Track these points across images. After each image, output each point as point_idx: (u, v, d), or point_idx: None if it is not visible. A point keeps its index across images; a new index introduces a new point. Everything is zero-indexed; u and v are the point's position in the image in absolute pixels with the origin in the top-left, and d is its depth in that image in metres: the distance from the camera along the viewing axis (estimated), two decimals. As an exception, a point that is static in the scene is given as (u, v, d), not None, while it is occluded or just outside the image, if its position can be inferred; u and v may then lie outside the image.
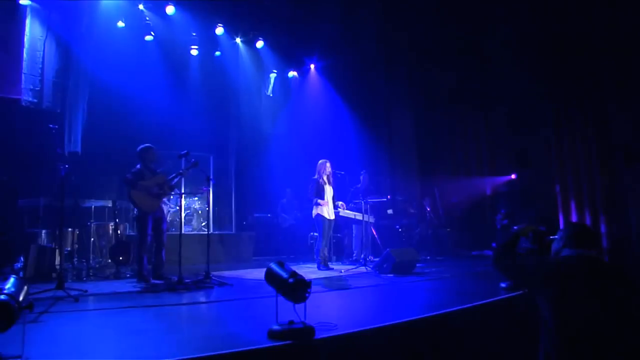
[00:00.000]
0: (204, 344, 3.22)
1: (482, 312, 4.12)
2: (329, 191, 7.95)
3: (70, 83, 8.92)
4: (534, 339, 2.88)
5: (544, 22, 9.98)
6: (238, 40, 10.86)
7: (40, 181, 8.02)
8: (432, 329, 3.64)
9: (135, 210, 6.67)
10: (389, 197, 9.56)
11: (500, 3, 10.01)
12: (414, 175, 12.07)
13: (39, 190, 7.92)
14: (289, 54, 11.35)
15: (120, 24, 9.28)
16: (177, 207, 9.91)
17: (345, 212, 8.50)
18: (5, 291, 2.66)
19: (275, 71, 11.61)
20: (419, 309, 4.22)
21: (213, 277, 6.30)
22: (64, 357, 2.87)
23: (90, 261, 7.78)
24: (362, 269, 7.63)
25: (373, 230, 9.08)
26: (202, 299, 5.20)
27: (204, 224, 10.27)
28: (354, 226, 9.09)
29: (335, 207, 8.17)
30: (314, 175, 8.04)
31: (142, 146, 6.79)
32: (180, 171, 6.77)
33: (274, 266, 3.57)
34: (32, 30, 8.45)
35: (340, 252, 9.81)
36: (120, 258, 7.33)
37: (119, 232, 7.77)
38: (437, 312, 3.80)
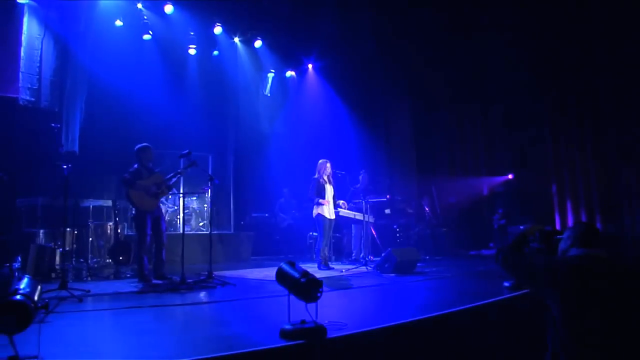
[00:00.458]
0: (216, 344, 3.23)
1: (489, 310, 4.16)
2: (329, 191, 7.96)
3: (68, 82, 8.86)
4: (540, 338, 2.91)
5: (541, 23, 10.06)
6: (236, 39, 10.83)
7: (38, 180, 7.97)
8: (440, 328, 3.67)
9: (133, 210, 6.64)
10: (388, 196, 9.59)
11: (498, 4, 10.08)
12: (412, 175, 12.11)
13: (37, 190, 7.87)
14: (287, 53, 11.34)
15: (118, 22, 9.22)
16: (176, 207, 9.90)
17: (345, 212, 8.51)
18: (21, 291, 2.65)
19: (273, 71, 11.60)
20: (426, 308, 4.25)
21: (215, 277, 6.29)
22: (81, 358, 2.86)
23: (89, 261, 7.76)
24: (363, 268, 7.66)
25: (372, 230, 9.10)
26: (208, 299, 5.20)
27: (202, 223, 10.25)
28: (353, 226, 9.11)
29: (337, 206, 8.18)
30: (314, 175, 8.05)
31: (139, 145, 6.76)
32: (179, 170, 6.73)
33: (285, 266, 3.58)
34: (29, 29, 8.38)
35: (339, 251, 9.82)
36: (120, 258, 7.29)
37: (118, 231, 7.72)
38: (446, 311, 3.84)
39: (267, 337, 3.30)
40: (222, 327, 3.98)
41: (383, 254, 7.37)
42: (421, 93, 12.19)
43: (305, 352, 3.17)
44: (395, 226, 10.11)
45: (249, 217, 11.35)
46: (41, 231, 7.55)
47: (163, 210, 7.15)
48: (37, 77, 8.46)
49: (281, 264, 3.63)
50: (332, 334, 3.32)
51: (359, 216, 8.66)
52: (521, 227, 3.57)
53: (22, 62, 8.26)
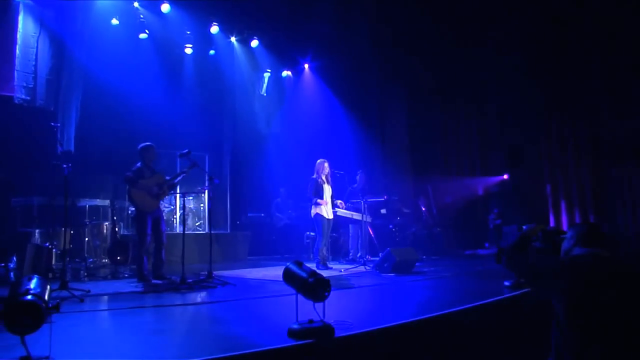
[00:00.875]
0: (224, 343, 3.23)
1: (492, 309, 4.20)
2: (327, 191, 7.97)
3: (64, 80, 8.78)
4: (541, 337, 2.94)
5: (535, 24, 10.16)
6: (233, 39, 10.82)
7: (34, 180, 7.90)
8: (447, 327, 3.70)
9: (134, 209, 6.61)
10: (385, 196, 9.62)
11: (493, 4, 10.16)
12: (408, 175, 12.16)
13: (33, 189, 7.80)
14: (284, 53, 11.35)
15: (115, 21, 9.16)
16: (172, 207, 9.86)
17: (342, 212, 8.52)
18: (32, 291, 2.63)
19: (269, 70, 11.59)
20: (429, 307, 4.28)
21: (215, 277, 6.28)
22: (91, 358, 2.85)
23: (84, 261, 7.70)
24: (362, 268, 7.68)
25: (370, 230, 9.13)
26: (210, 299, 5.19)
27: (198, 223, 10.22)
28: (350, 226, 9.13)
29: (334, 206, 8.19)
30: (313, 175, 8.05)
31: (142, 145, 6.72)
32: (182, 171, 6.71)
33: (292, 266, 3.58)
34: (25, 27, 8.30)
35: (336, 251, 9.83)
36: (119, 258, 7.25)
37: (117, 229, 7.68)
38: (452, 310, 3.87)
39: (274, 336, 3.31)
40: (228, 326, 3.97)
41: (382, 254, 7.39)
42: (416, 93, 12.25)
43: (314, 351, 3.18)
44: (391, 226, 10.15)
45: (245, 216, 11.33)
46: (37, 231, 7.49)
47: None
48: (33, 75, 8.39)
49: (288, 263, 3.64)
50: (339, 333, 3.33)
51: (356, 216, 8.68)
52: (524, 227, 3.59)
53: (17, 61, 8.17)
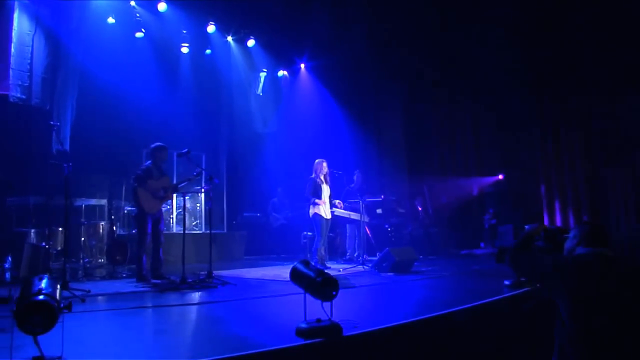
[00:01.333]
0: (231, 343, 3.23)
1: (496, 307, 4.24)
2: (326, 190, 7.98)
3: (60, 79, 8.70)
4: (543, 335, 2.97)
5: (531, 26, 10.24)
6: (229, 38, 10.80)
7: (30, 179, 7.83)
8: (453, 325, 3.73)
9: (136, 208, 6.59)
10: (382, 196, 9.65)
11: (489, 4, 10.23)
12: (403, 175, 12.22)
13: (29, 189, 7.73)
14: (280, 53, 11.36)
15: (111, 20, 9.11)
16: (168, 207, 9.82)
17: (340, 212, 8.54)
18: (44, 291, 2.62)
19: (265, 70, 11.59)
20: (433, 306, 4.30)
21: (214, 277, 6.27)
22: (103, 358, 2.84)
23: (80, 261, 7.66)
24: (360, 267, 7.70)
25: (367, 230, 9.15)
26: (212, 299, 5.17)
27: (194, 223, 10.19)
28: (347, 225, 9.15)
29: (332, 206, 8.21)
30: (311, 175, 8.06)
31: (155, 145, 6.74)
32: (189, 177, 6.75)
33: (299, 266, 3.59)
34: (20, 25, 8.21)
35: (333, 251, 9.85)
36: (117, 258, 7.21)
37: (114, 228, 7.64)
38: (458, 308, 3.91)
39: (281, 336, 3.32)
40: (234, 326, 3.97)
41: (381, 253, 7.42)
42: (412, 93, 12.31)
43: (323, 351, 3.19)
44: (387, 226, 10.19)
45: (241, 216, 11.32)
46: (32, 231, 7.42)
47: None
48: (28, 74, 8.29)
49: (295, 263, 3.65)
50: (347, 332, 3.34)
51: (353, 216, 8.70)
52: (527, 226, 3.63)
53: (12, 59, 8.06)
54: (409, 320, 3.65)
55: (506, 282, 5.37)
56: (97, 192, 8.66)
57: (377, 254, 8.94)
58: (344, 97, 11.86)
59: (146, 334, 3.57)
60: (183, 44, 10.23)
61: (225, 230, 10.80)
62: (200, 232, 9.88)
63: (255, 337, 3.40)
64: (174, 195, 9.03)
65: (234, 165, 11.31)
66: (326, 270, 7.31)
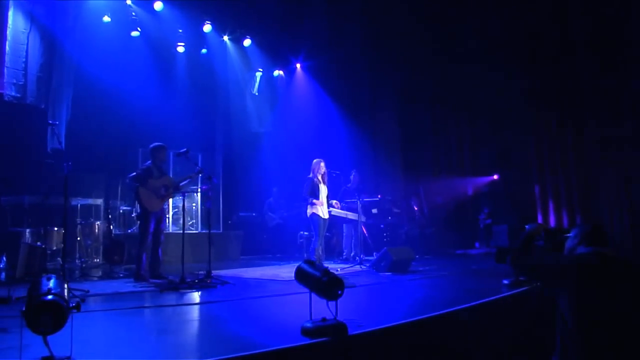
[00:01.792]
0: (237, 343, 3.23)
1: (499, 306, 4.28)
2: (323, 190, 7.99)
3: (55, 78, 8.64)
4: (547, 332, 3.00)
5: (524, 27, 10.32)
6: (225, 38, 10.79)
7: (25, 179, 7.77)
8: (458, 323, 3.76)
9: (138, 208, 6.58)
10: (379, 196, 9.68)
11: (482, 5, 10.30)
12: (398, 175, 12.25)
13: (24, 188, 7.67)
14: (276, 53, 11.36)
15: (107, 18, 9.05)
16: (164, 206, 9.77)
17: (337, 212, 8.55)
18: (53, 291, 2.61)
19: (261, 70, 11.58)
20: (434, 305, 4.33)
21: (213, 277, 6.26)
22: (110, 358, 2.84)
23: (76, 261, 7.61)
24: (358, 267, 7.73)
25: (364, 230, 9.18)
26: (213, 299, 5.16)
27: (190, 222, 10.16)
28: (344, 225, 9.17)
29: (330, 206, 8.22)
30: (309, 175, 8.06)
31: (154, 145, 6.73)
32: (190, 175, 6.74)
33: (304, 265, 3.60)
34: (15, 23, 8.13)
35: (329, 251, 9.87)
36: (115, 258, 7.18)
37: (111, 228, 7.60)
38: (461, 307, 3.94)
39: (286, 335, 3.33)
40: (238, 326, 3.97)
41: (378, 253, 7.45)
42: (407, 94, 12.35)
43: (330, 349, 3.20)
44: (382, 225, 10.22)
45: (236, 216, 11.30)
46: (27, 230, 7.35)
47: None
48: (23, 72, 8.22)
49: (300, 263, 3.66)
50: (351, 332, 3.36)
51: (350, 215, 8.72)
52: (527, 226, 3.67)
53: (7, 57, 7.98)
54: (413, 319, 3.67)
55: (505, 282, 5.42)
56: (93, 191, 8.61)
57: (374, 253, 8.97)
58: (339, 97, 11.88)
59: (152, 334, 3.57)
60: (179, 43, 10.21)
61: (221, 230, 10.77)
62: (197, 231, 9.86)
63: (260, 337, 3.41)
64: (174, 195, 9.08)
65: (230, 164, 11.30)
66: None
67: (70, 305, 2.65)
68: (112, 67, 8.91)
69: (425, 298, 5.10)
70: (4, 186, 7.22)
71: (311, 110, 11.76)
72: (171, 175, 9.04)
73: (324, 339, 3.23)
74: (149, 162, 6.68)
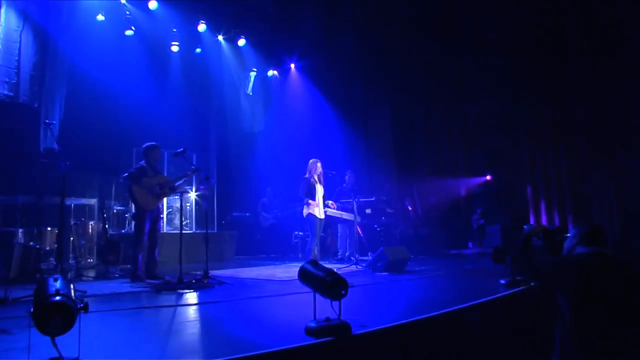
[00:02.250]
0: (241, 343, 3.23)
1: (501, 306, 4.32)
2: (319, 191, 8.01)
3: (48, 77, 8.58)
4: (546, 332, 3.04)
5: (517, 28, 10.41)
6: (220, 37, 10.77)
7: (18, 178, 7.69)
8: (460, 322, 3.80)
9: (132, 207, 6.54)
10: (374, 197, 9.72)
11: (475, 7, 10.38)
12: (392, 175, 12.30)
13: (17, 188, 7.59)
14: (270, 52, 11.36)
15: (100, 17, 8.99)
16: (161, 205, 9.73)
17: (332, 212, 8.57)
18: (61, 292, 2.59)
19: (255, 69, 11.57)
20: (435, 304, 4.34)
21: (210, 277, 6.24)
22: (118, 358, 2.83)
23: (70, 261, 7.55)
24: (354, 267, 7.74)
25: (359, 230, 9.20)
26: (212, 299, 5.14)
27: (184, 222, 10.10)
28: (339, 225, 9.19)
29: (326, 206, 8.23)
30: (305, 175, 8.07)
31: (148, 144, 6.67)
32: (186, 173, 6.70)
33: (308, 266, 3.61)
34: (7, 21, 8.06)
35: (324, 251, 9.88)
36: (110, 258, 7.13)
37: (107, 227, 7.55)
38: (462, 305, 3.97)
39: (289, 335, 3.32)
40: (239, 326, 3.96)
41: (375, 253, 7.46)
42: (401, 94, 12.40)
43: (334, 349, 3.22)
44: (376, 226, 10.25)
45: (230, 216, 11.28)
46: (20, 230, 7.28)
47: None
48: (16, 70, 8.16)
49: (304, 263, 3.67)
50: (355, 331, 3.38)
51: (345, 216, 8.74)
52: (525, 227, 3.71)
53: (-1, 55, 7.94)
54: (416, 318, 3.70)
55: (502, 281, 5.46)
56: (87, 191, 8.57)
57: (369, 253, 9.01)
58: (333, 97, 11.91)
59: (156, 335, 3.56)
60: (173, 43, 10.18)
61: (215, 230, 10.74)
62: (191, 231, 9.82)
63: (263, 337, 3.40)
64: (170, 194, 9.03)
65: (224, 164, 11.28)
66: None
67: (79, 306, 2.64)
68: (106, 67, 8.88)
69: (425, 298, 5.13)
70: None
71: (305, 110, 11.77)
72: (166, 175, 9.06)
73: (328, 338, 3.24)
74: (142, 161, 6.61)
